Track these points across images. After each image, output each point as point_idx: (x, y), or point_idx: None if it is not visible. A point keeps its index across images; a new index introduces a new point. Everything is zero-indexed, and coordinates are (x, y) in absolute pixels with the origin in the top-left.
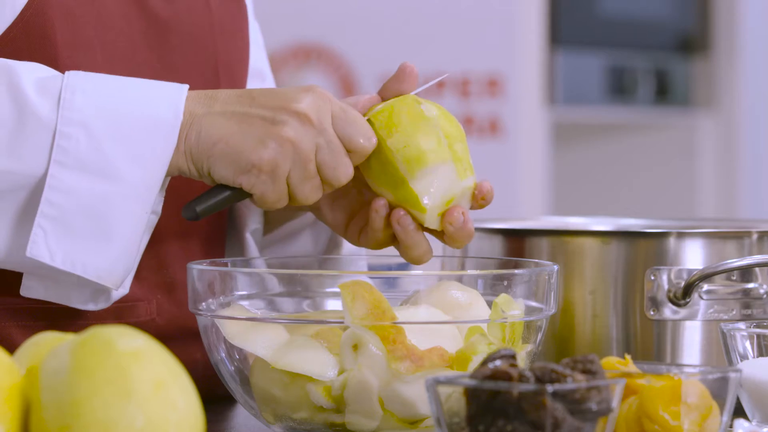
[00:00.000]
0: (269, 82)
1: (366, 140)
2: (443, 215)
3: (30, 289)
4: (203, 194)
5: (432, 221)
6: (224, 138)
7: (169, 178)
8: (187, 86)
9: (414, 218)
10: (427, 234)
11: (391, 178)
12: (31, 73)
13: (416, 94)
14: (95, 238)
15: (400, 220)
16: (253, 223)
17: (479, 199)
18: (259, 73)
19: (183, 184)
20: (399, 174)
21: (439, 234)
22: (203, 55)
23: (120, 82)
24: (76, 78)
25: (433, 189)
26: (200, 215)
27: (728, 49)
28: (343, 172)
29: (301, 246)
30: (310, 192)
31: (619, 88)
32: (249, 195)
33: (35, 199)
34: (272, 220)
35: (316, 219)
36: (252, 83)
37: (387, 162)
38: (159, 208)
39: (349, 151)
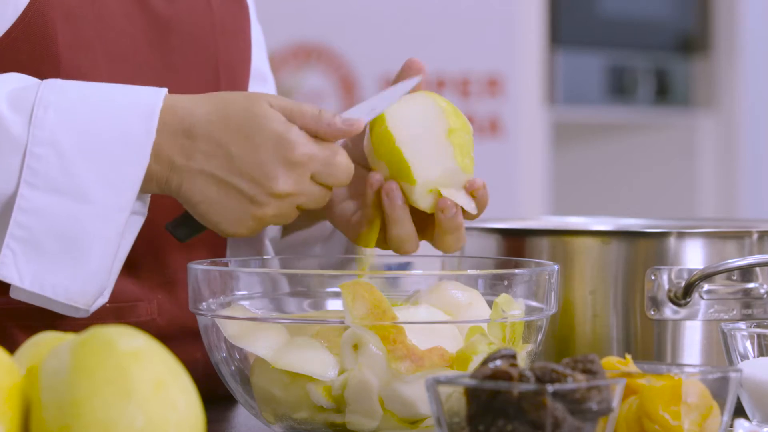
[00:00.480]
0: (270, 85)
1: (346, 181)
2: (435, 200)
3: (17, 292)
4: (187, 219)
5: (421, 197)
6: (205, 203)
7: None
8: (161, 98)
9: (405, 195)
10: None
11: (388, 151)
12: (4, 86)
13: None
14: (65, 260)
15: (390, 192)
16: (272, 230)
17: (471, 194)
18: (261, 75)
19: None
20: (396, 147)
21: (429, 232)
22: (204, 55)
23: (94, 96)
24: (51, 91)
25: (428, 165)
26: (184, 240)
27: (728, 49)
28: (324, 201)
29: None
30: (289, 221)
31: (619, 88)
32: None
33: (5, 218)
34: (288, 225)
35: (331, 234)
36: (254, 85)
37: (386, 138)
38: (145, 210)
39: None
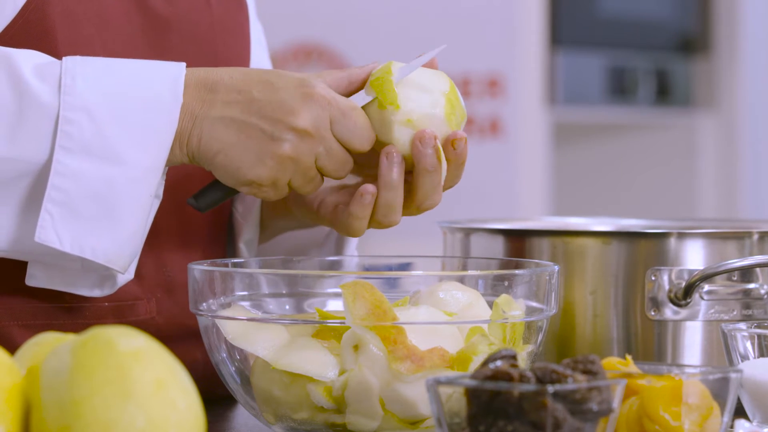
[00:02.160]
0: None
1: (365, 143)
2: (411, 140)
3: (34, 278)
4: (206, 188)
5: (400, 130)
6: (223, 150)
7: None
8: (184, 66)
9: (384, 129)
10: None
11: (380, 82)
12: (30, 60)
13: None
14: (102, 221)
15: (388, 154)
16: (247, 233)
17: (451, 143)
18: None
19: (181, 180)
20: (389, 75)
21: (408, 202)
22: (203, 53)
23: (118, 66)
24: (75, 63)
25: (415, 102)
26: (204, 209)
27: (729, 49)
28: (344, 168)
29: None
30: (312, 188)
31: (620, 88)
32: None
33: (40, 185)
34: (267, 228)
35: (325, 240)
36: None
37: (384, 72)
38: (160, 192)
39: (348, 150)
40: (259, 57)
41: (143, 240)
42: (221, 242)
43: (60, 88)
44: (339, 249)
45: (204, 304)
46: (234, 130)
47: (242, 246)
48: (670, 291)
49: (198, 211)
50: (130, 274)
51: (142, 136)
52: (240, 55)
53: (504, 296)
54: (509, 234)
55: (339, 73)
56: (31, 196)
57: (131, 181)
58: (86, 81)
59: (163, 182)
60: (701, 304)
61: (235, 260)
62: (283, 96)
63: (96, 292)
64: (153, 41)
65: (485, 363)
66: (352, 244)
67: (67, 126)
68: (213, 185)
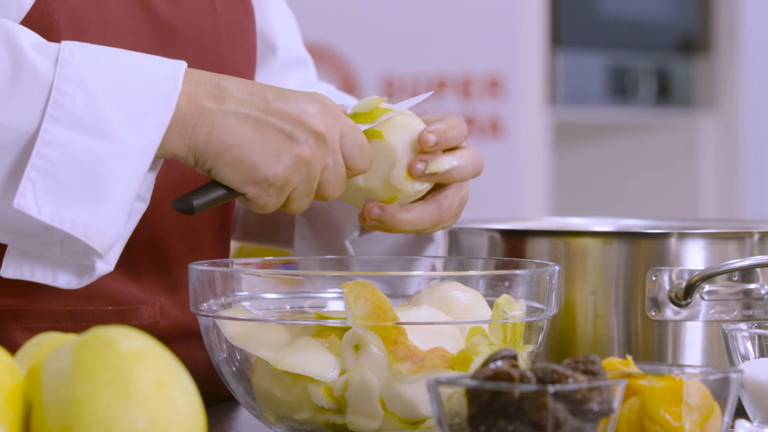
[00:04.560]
0: (311, 68)
1: (367, 163)
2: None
3: (7, 269)
4: (199, 189)
5: (405, 183)
6: (239, 145)
7: (161, 161)
8: (184, 63)
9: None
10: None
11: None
12: (29, 35)
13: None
14: (85, 195)
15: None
16: (349, 232)
17: (425, 147)
18: (300, 60)
19: (186, 182)
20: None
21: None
22: (209, 57)
23: (119, 51)
24: (74, 44)
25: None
26: (196, 210)
27: (729, 49)
28: (339, 188)
29: (393, 240)
30: (305, 205)
31: (621, 88)
32: (243, 194)
33: (26, 157)
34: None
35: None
36: (295, 71)
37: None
38: (148, 196)
39: (347, 168)
40: (294, 44)
41: (126, 233)
42: (226, 245)
43: (57, 61)
44: (419, 250)
45: (204, 304)
46: (250, 127)
47: (347, 244)
48: (670, 291)
49: (187, 213)
50: (109, 266)
51: (137, 115)
52: (246, 60)
53: (505, 296)
54: (509, 234)
55: None
56: (16, 168)
57: (120, 158)
58: (84, 58)
59: (152, 186)
60: (702, 305)
61: (236, 260)
62: (299, 101)
63: (73, 284)
64: (158, 46)
65: (486, 363)
66: (432, 248)
67: (60, 96)
68: (209, 185)
